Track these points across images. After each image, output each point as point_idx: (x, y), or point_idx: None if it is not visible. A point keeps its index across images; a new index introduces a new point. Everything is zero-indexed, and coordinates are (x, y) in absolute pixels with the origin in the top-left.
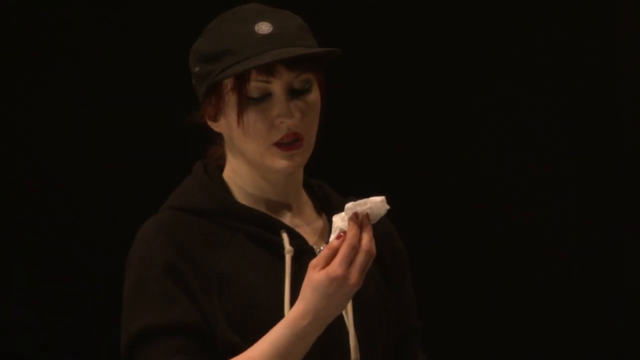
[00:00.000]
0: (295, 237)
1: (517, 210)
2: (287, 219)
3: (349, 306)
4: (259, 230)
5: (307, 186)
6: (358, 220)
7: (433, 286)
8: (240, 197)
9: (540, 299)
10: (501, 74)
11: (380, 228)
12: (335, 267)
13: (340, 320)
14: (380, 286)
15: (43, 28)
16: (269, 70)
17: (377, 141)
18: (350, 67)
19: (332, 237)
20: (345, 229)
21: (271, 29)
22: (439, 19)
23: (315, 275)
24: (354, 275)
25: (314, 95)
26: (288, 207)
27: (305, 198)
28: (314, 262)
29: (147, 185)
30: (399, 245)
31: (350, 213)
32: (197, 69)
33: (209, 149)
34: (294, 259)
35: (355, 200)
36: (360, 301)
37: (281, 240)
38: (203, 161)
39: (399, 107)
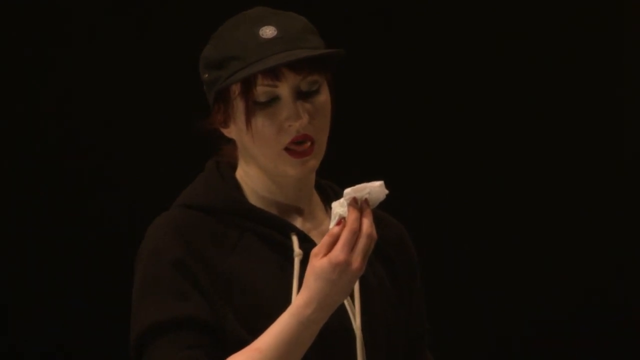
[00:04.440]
0: (305, 241)
1: (517, 210)
2: (298, 222)
3: (357, 309)
4: (268, 231)
5: (319, 187)
6: (357, 205)
7: (437, 286)
8: (251, 197)
9: (543, 299)
10: (502, 72)
11: (391, 232)
12: (337, 252)
13: (347, 325)
14: (389, 292)
15: (54, 29)
16: (274, 74)
17: (384, 141)
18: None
19: (332, 223)
20: (345, 215)
21: (275, 32)
22: (439, 19)
23: (317, 262)
24: (357, 259)
25: (323, 97)
26: (299, 211)
27: (317, 201)
28: (315, 250)
29: (159, 182)
30: (410, 251)
31: (349, 198)
32: (205, 75)
33: (222, 148)
34: (302, 262)
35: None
36: (367, 304)
37: (291, 242)
38: (216, 159)
39: (400, 107)
